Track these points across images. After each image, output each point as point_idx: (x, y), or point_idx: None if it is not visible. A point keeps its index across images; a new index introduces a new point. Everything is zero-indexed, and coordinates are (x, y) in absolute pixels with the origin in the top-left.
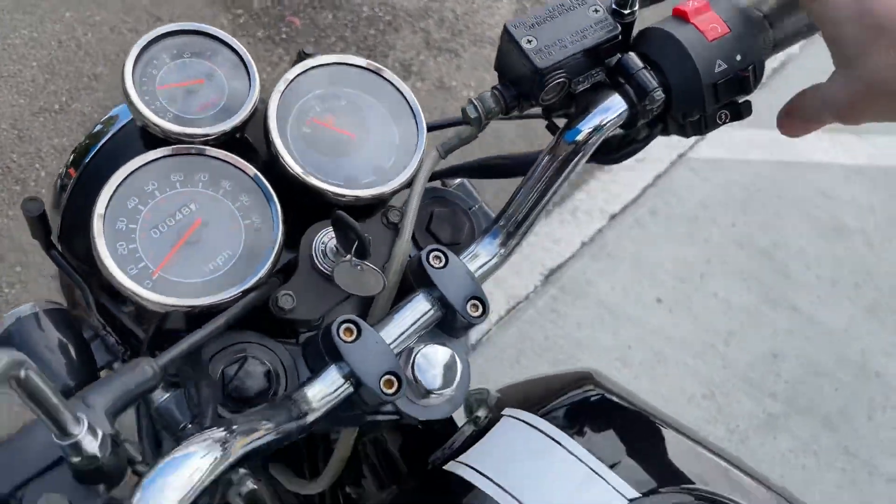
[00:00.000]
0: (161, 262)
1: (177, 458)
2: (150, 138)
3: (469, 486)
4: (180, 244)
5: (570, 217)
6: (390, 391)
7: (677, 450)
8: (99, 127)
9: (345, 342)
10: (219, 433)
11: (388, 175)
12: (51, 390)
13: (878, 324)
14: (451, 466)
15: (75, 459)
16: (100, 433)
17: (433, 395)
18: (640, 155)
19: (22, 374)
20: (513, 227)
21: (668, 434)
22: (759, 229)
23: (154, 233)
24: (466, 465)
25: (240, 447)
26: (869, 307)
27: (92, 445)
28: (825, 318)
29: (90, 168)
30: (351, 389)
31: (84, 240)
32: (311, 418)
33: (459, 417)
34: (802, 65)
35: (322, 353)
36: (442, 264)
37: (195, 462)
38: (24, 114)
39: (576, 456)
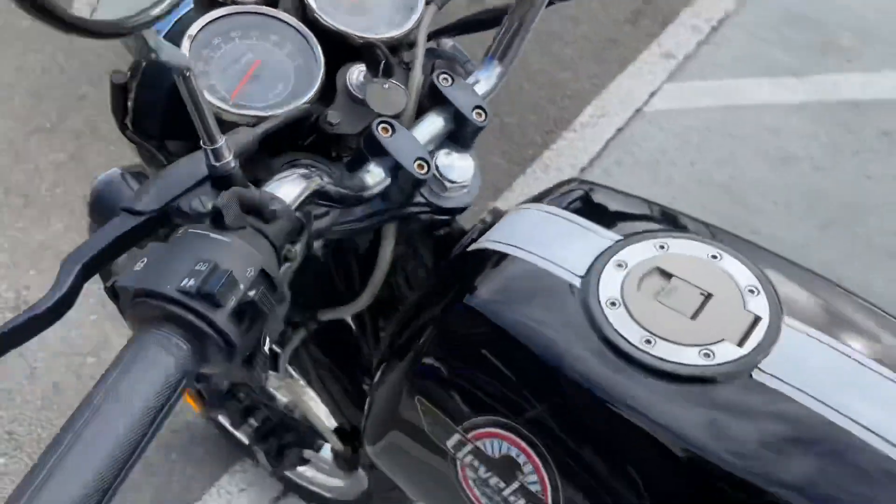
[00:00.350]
0: (234, 91)
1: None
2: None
3: (492, 260)
4: (246, 79)
5: (543, 174)
6: (422, 172)
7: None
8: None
9: (384, 137)
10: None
11: (398, 23)
12: (205, 99)
13: (833, 237)
14: (475, 245)
15: (216, 164)
16: (233, 148)
17: (454, 187)
18: (599, 111)
19: (187, 73)
20: (501, 55)
21: (667, 211)
22: (716, 166)
23: (225, 73)
24: (490, 241)
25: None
26: (822, 224)
27: (229, 153)
28: (785, 237)
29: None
30: (388, 179)
31: (154, 120)
32: (367, 193)
33: None
34: (739, 22)
35: (365, 157)
36: (450, 83)
37: (298, 177)
38: (18, 135)
39: (587, 228)
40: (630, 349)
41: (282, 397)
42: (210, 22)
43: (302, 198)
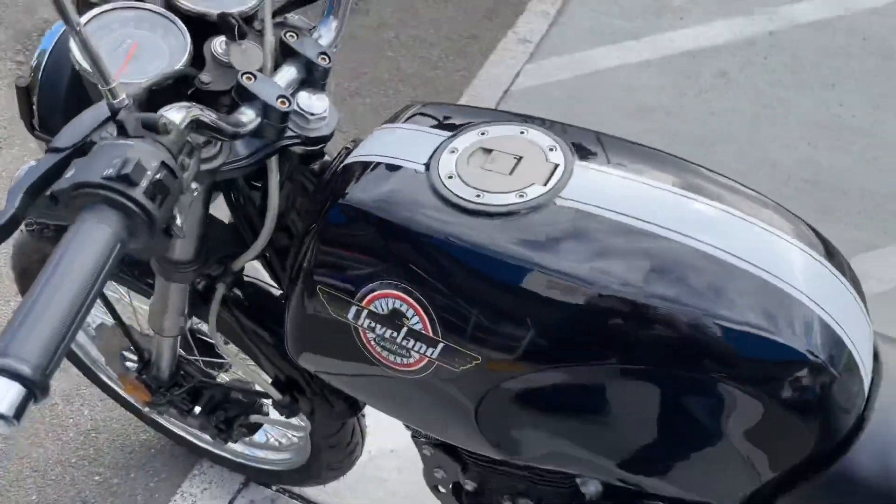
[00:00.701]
0: (119, 70)
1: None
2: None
3: (357, 170)
4: (128, 60)
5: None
6: (285, 106)
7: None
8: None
9: (249, 83)
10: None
11: (246, 2)
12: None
13: None
14: (342, 165)
15: (113, 101)
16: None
17: (315, 119)
18: (472, 99)
19: (78, 27)
20: (336, 11)
21: (485, 109)
22: (583, 125)
23: (109, 58)
24: (352, 157)
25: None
26: None
27: (123, 93)
28: None
29: (49, 60)
30: (259, 118)
31: (57, 116)
32: (242, 130)
33: None
34: (579, 2)
35: (237, 103)
36: (296, 38)
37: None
38: None
39: (426, 132)
40: (466, 204)
41: (223, 376)
42: (91, 18)
43: (187, 120)
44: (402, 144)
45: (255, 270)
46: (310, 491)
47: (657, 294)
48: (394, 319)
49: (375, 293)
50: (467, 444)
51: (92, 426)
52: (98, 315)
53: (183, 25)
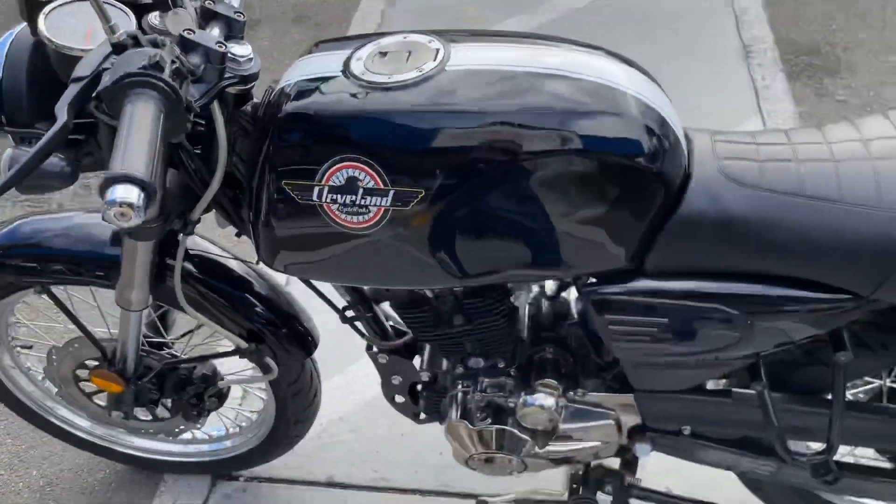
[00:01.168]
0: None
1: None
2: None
3: (288, 93)
4: (88, 36)
5: None
6: (222, 49)
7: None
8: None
9: (189, 36)
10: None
11: None
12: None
13: (519, 21)
14: (279, 87)
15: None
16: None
17: (244, 60)
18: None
19: None
20: None
21: (377, 32)
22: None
23: (72, 37)
24: (281, 85)
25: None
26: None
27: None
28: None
29: (6, 65)
30: (203, 63)
31: (21, 107)
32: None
33: None
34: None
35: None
36: (214, 4)
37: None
38: None
39: (336, 52)
40: (383, 84)
41: (187, 355)
42: (53, 9)
43: (175, 41)
44: (317, 65)
45: (196, 244)
46: (277, 470)
47: (529, 106)
48: (350, 185)
49: (332, 169)
50: (425, 282)
51: (45, 482)
52: (34, 354)
53: (127, 8)
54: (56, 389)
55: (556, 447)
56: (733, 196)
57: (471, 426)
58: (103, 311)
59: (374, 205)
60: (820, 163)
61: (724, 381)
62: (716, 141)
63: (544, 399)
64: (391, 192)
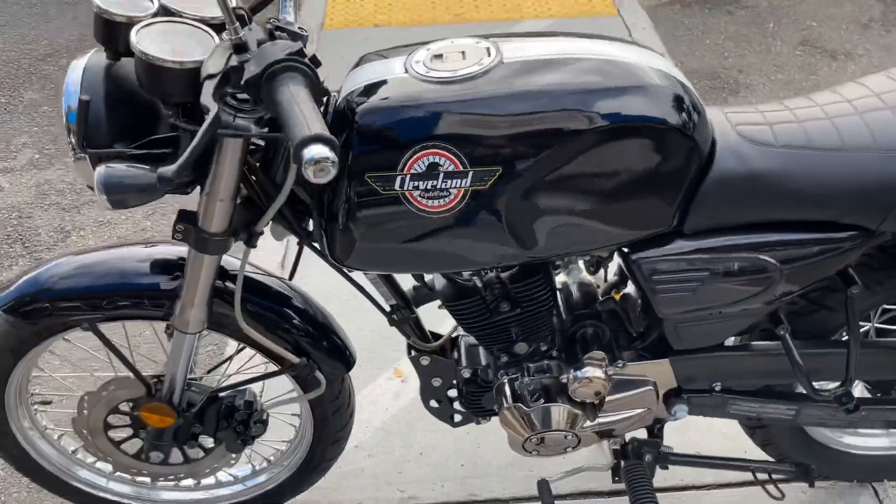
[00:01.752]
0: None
1: None
2: None
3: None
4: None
5: None
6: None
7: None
8: None
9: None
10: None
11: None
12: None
13: None
14: (343, 93)
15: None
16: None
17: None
18: None
19: None
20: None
21: (422, 41)
22: None
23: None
24: (349, 87)
25: None
26: None
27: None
28: None
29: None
30: None
31: (102, 127)
32: None
33: None
34: None
35: None
36: (278, 22)
37: None
38: None
39: (393, 58)
40: (450, 78)
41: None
42: (140, 29)
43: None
44: (375, 71)
45: (229, 264)
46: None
47: (588, 86)
48: (431, 171)
49: (413, 158)
50: (498, 259)
51: None
52: (52, 410)
53: (210, 30)
54: (74, 447)
55: (604, 418)
56: (755, 155)
57: (525, 408)
58: (133, 351)
59: (455, 187)
60: (818, 121)
61: (744, 337)
62: (726, 112)
63: (593, 371)
64: (470, 174)
